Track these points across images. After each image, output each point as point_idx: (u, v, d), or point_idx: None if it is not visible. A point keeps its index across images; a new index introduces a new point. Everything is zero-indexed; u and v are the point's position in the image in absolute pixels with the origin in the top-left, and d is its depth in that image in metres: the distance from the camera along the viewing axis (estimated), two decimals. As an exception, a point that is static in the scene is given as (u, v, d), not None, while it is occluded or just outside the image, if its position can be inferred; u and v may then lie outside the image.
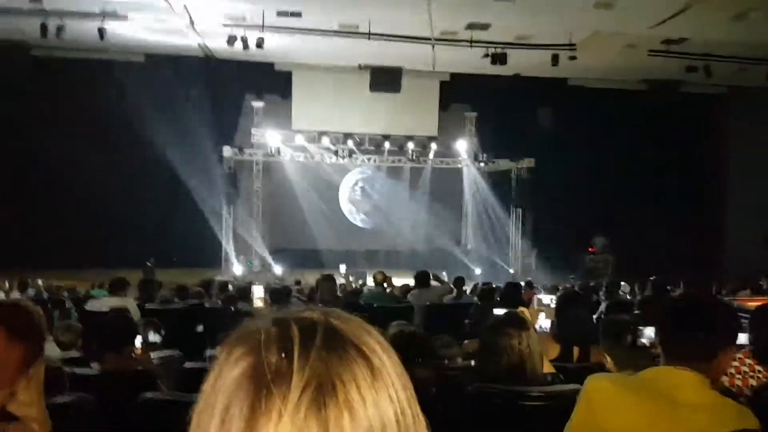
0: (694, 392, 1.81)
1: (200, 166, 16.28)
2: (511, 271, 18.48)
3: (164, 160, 15.52)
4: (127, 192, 16.29)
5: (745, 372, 2.93)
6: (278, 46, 14.37)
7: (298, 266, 16.98)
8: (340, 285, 10.85)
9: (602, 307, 7.61)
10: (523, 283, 11.22)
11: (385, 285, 9.15)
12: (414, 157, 18.99)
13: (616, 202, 17.74)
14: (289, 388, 0.64)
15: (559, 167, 17.34)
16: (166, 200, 16.66)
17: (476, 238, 19.61)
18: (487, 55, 13.99)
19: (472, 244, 19.84)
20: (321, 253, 17.97)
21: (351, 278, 14.59)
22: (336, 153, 18.36)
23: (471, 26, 13.20)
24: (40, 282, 11.61)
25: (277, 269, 17.28)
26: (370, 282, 13.34)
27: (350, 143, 18.27)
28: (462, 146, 19.03)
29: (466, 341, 5.02)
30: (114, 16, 12.72)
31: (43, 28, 12.45)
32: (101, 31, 12.69)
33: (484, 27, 13.20)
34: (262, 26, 13.03)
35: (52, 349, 4.35)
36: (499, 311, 4.72)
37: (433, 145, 18.84)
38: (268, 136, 18.08)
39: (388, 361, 0.69)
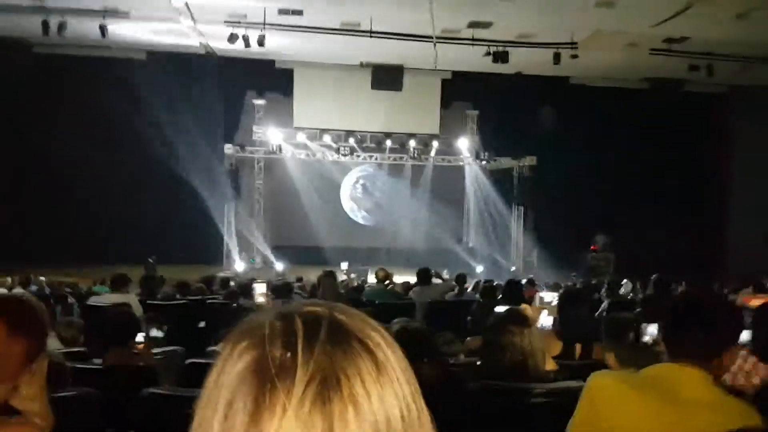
0: (697, 389, 1.81)
1: (202, 163, 16.28)
2: (513, 268, 18.47)
3: (166, 158, 15.52)
4: (129, 189, 16.30)
5: (748, 370, 2.92)
6: (280, 44, 14.37)
7: (299, 263, 16.98)
8: (341, 282, 10.86)
9: (604, 304, 7.61)
10: (524, 281, 11.21)
11: (386, 282, 9.16)
12: (415, 155, 18.99)
13: (617, 201, 17.73)
14: (293, 382, 0.63)
15: (561, 166, 17.33)
16: (168, 197, 16.66)
17: (478, 236, 19.61)
18: (488, 54, 13.98)
19: (473, 242, 19.83)
20: (322, 251, 17.97)
21: (352, 275, 14.62)
22: (337, 151, 18.36)
23: (473, 24, 13.19)
24: (42, 278, 11.62)
25: (279, 266, 17.29)
26: (370, 279, 13.37)
27: (352, 141, 18.28)
28: (463, 144, 19.02)
29: (468, 338, 5.02)
30: (115, 13, 12.72)
31: (45, 25, 12.45)
32: (103, 29, 12.68)
33: (486, 25, 13.19)
34: (264, 24, 13.03)
35: (54, 345, 4.36)
36: (500, 309, 4.72)
37: (435, 143, 18.84)
38: (270, 134, 18.09)
39: (392, 356, 0.69)
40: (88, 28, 12.87)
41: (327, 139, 18.21)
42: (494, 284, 9.28)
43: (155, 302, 7.44)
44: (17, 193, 16.01)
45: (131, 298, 6.78)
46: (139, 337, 3.95)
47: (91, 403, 2.68)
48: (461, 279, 9.72)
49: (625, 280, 11.37)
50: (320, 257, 17.14)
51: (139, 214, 16.19)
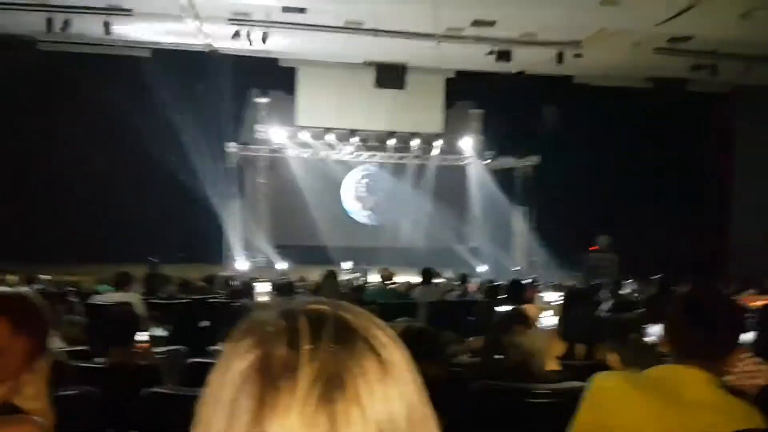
0: (700, 390, 1.80)
1: (205, 162, 16.28)
2: (516, 268, 18.44)
3: (168, 156, 15.52)
4: (131, 187, 16.31)
5: (750, 371, 2.92)
6: (283, 42, 14.36)
7: (302, 262, 16.97)
8: (343, 281, 10.85)
9: (607, 305, 7.60)
10: (527, 281, 11.20)
11: (389, 281, 9.17)
12: (419, 154, 18.95)
13: (617, 201, 17.69)
14: (297, 381, 0.63)
15: (563, 166, 17.29)
16: (171, 196, 16.65)
17: (481, 236, 19.56)
18: (491, 52, 13.96)
19: (476, 242, 19.79)
20: (325, 250, 17.95)
21: (353, 275, 14.61)
22: (340, 149, 18.35)
23: (476, 23, 13.18)
24: (44, 276, 11.62)
25: (281, 265, 17.28)
26: (371, 278, 13.37)
27: (355, 140, 18.26)
28: (467, 143, 18.98)
29: (471, 338, 5.01)
30: (119, 11, 12.73)
31: (49, 22, 12.47)
32: (107, 26, 12.70)
33: (490, 24, 13.17)
34: (267, 22, 13.02)
35: (57, 343, 4.36)
36: (503, 308, 4.71)
37: (438, 142, 18.80)
38: (273, 132, 18.08)
39: (398, 356, 0.68)
40: (92, 25, 12.89)
41: (330, 137, 18.20)
42: (496, 284, 9.29)
43: (158, 301, 7.45)
44: (20, 191, 16.01)
45: (134, 297, 6.78)
46: (142, 336, 3.95)
47: (92, 402, 2.68)
48: (464, 279, 9.71)
49: (630, 280, 11.35)
50: (322, 256, 17.13)
51: (141, 212, 16.18)
